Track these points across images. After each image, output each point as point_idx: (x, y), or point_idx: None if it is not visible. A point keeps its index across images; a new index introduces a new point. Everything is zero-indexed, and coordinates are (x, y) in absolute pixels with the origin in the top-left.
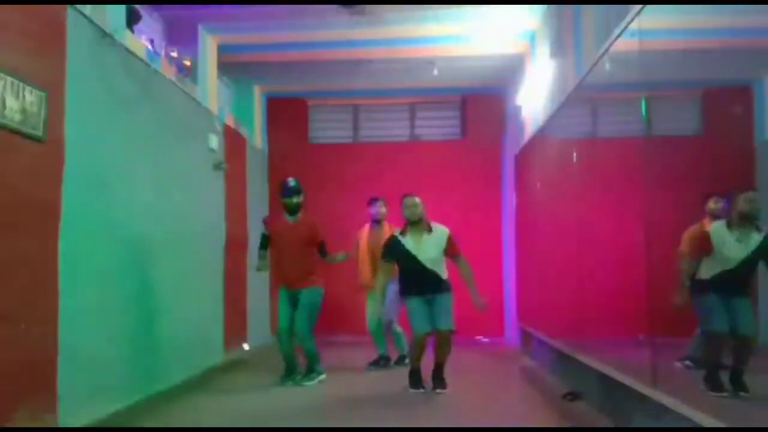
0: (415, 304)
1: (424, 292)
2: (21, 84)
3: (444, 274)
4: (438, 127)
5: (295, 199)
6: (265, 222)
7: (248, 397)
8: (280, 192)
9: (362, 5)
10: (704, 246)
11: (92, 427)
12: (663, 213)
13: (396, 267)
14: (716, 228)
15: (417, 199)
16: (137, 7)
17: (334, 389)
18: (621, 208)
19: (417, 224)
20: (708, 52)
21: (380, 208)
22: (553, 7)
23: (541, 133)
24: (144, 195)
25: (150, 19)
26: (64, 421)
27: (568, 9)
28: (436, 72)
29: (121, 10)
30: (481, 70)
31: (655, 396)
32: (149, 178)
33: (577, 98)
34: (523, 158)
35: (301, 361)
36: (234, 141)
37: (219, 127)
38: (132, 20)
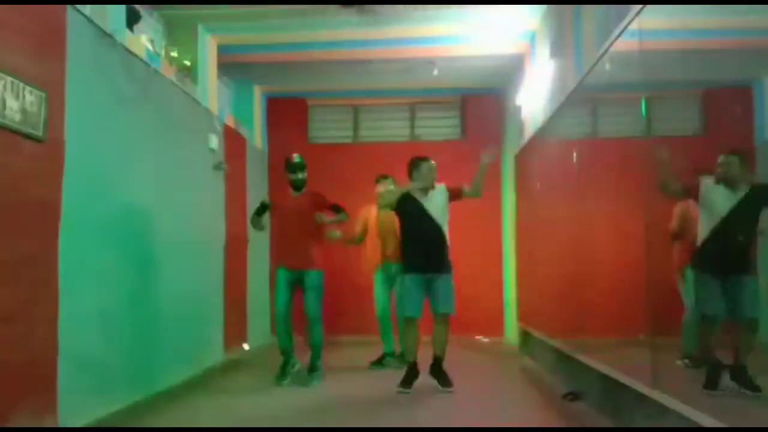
0: (410, 283)
1: (426, 266)
2: (21, 84)
3: (447, 241)
4: (438, 127)
5: (300, 175)
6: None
7: (248, 397)
8: (286, 168)
9: (362, 5)
10: (693, 192)
11: (92, 427)
12: (663, 213)
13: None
14: (705, 183)
15: (434, 162)
16: (137, 7)
17: (335, 389)
18: (621, 208)
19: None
20: (708, 52)
21: (389, 187)
22: (553, 7)
23: (541, 133)
24: (144, 195)
25: (150, 19)
26: (64, 421)
27: (568, 9)
28: (436, 72)
29: (121, 10)
30: (481, 70)
31: (655, 396)
32: (149, 178)
33: (577, 98)
34: (523, 158)
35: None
36: (234, 141)
37: (219, 127)
38: (132, 20)
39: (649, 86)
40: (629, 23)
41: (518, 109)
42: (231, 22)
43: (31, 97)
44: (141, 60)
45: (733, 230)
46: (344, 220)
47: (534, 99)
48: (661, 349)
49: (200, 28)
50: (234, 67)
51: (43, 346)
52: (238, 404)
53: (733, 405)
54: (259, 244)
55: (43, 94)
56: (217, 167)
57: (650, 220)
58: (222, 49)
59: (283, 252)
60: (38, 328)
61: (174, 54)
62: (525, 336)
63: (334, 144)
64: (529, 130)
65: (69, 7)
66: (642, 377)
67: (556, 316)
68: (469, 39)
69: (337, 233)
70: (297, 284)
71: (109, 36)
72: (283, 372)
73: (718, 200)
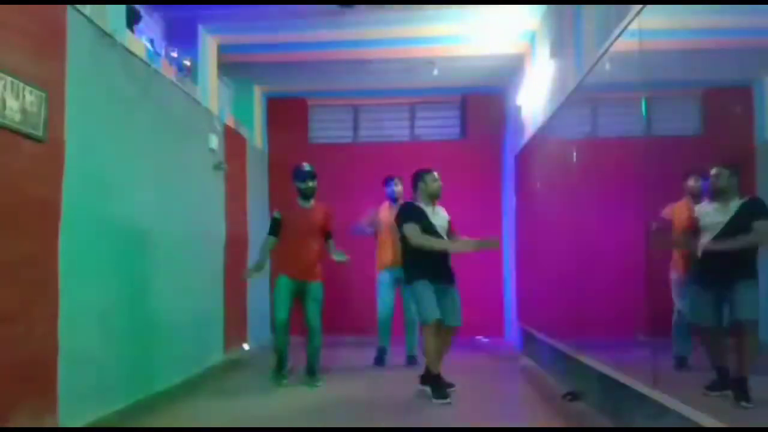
0: (421, 287)
1: (436, 276)
2: (21, 84)
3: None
4: (438, 127)
5: (311, 183)
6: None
7: (248, 397)
8: (295, 177)
9: (362, 4)
10: (690, 223)
11: (92, 427)
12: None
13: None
14: (699, 206)
15: (437, 174)
16: (137, 7)
17: (335, 390)
18: (621, 207)
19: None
20: (708, 52)
21: (396, 187)
22: (553, 7)
23: (541, 133)
24: (144, 195)
25: (150, 19)
26: (64, 421)
27: (568, 9)
28: (436, 72)
29: (121, 10)
30: (481, 70)
31: (655, 396)
32: (149, 178)
33: (577, 98)
34: (523, 158)
35: (294, 360)
36: (234, 141)
37: (219, 127)
38: (132, 20)
39: (649, 86)
40: (629, 23)
41: (518, 109)
42: (231, 22)
43: (31, 97)
44: (141, 60)
45: (727, 248)
46: (344, 262)
47: (534, 99)
48: (661, 349)
49: (200, 28)
50: (234, 67)
51: (43, 346)
52: (238, 404)
53: (733, 405)
54: (258, 244)
55: (43, 94)
56: (216, 167)
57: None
58: (222, 49)
59: (289, 262)
60: (38, 328)
61: (174, 54)
62: (525, 336)
63: (334, 144)
64: (529, 130)
65: (69, 7)
66: (642, 377)
67: (556, 316)
68: (469, 39)
69: (344, 256)
70: (298, 294)
71: (109, 36)
72: (281, 374)
73: (712, 218)
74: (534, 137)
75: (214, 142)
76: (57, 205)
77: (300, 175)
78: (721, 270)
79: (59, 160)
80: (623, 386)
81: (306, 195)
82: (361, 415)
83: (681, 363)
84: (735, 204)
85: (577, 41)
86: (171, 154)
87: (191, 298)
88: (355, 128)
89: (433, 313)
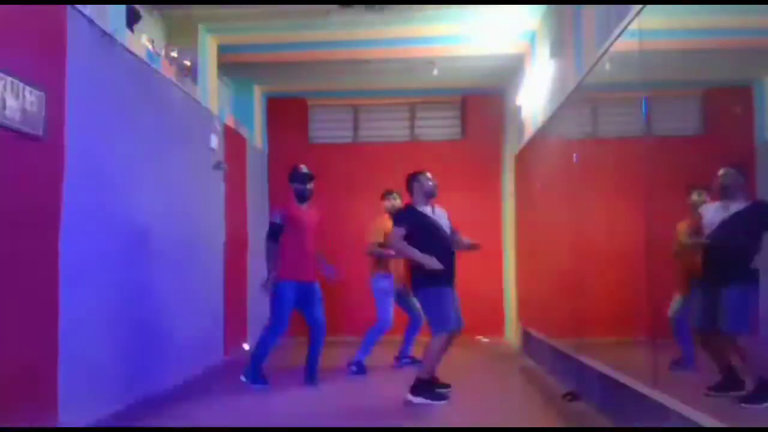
0: (446, 295)
1: (449, 279)
2: (21, 84)
3: None
4: (438, 127)
5: (310, 185)
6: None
7: (248, 397)
8: (295, 179)
9: (361, 4)
10: (694, 222)
11: (92, 427)
12: (663, 213)
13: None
14: (704, 206)
15: (430, 174)
16: (137, 7)
17: (335, 389)
18: (621, 207)
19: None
20: (708, 52)
21: (394, 201)
22: (553, 7)
23: (541, 133)
24: (144, 195)
25: (150, 19)
26: (64, 421)
27: (568, 9)
28: (436, 72)
29: (121, 10)
30: (481, 70)
31: (655, 396)
32: (149, 177)
33: (577, 98)
34: (522, 158)
35: (294, 360)
36: (234, 141)
37: (219, 127)
38: (132, 20)
39: (649, 86)
40: (629, 23)
41: (518, 109)
42: (231, 22)
43: (31, 97)
44: (141, 60)
45: (722, 242)
46: (331, 276)
47: (534, 99)
48: (661, 349)
49: (200, 28)
50: (234, 67)
51: (43, 347)
52: (238, 404)
53: (732, 405)
54: (259, 244)
55: (43, 94)
56: (216, 167)
57: (650, 220)
58: (222, 49)
59: (299, 265)
60: (38, 329)
61: (174, 54)
62: (525, 336)
63: (334, 144)
64: (529, 130)
65: (69, 7)
66: (642, 377)
67: (556, 316)
68: (469, 39)
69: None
70: (299, 299)
71: (109, 36)
72: (262, 375)
73: (711, 216)
74: (534, 137)
75: (214, 142)
76: (57, 205)
77: (300, 178)
78: (716, 270)
79: (59, 160)
80: (623, 386)
81: (305, 197)
82: (361, 414)
83: (678, 363)
84: (740, 204)
85: (577, 41)
86: (171, 154)
87: (191, 298)
88: (355, 128)
89: (453, 323)
